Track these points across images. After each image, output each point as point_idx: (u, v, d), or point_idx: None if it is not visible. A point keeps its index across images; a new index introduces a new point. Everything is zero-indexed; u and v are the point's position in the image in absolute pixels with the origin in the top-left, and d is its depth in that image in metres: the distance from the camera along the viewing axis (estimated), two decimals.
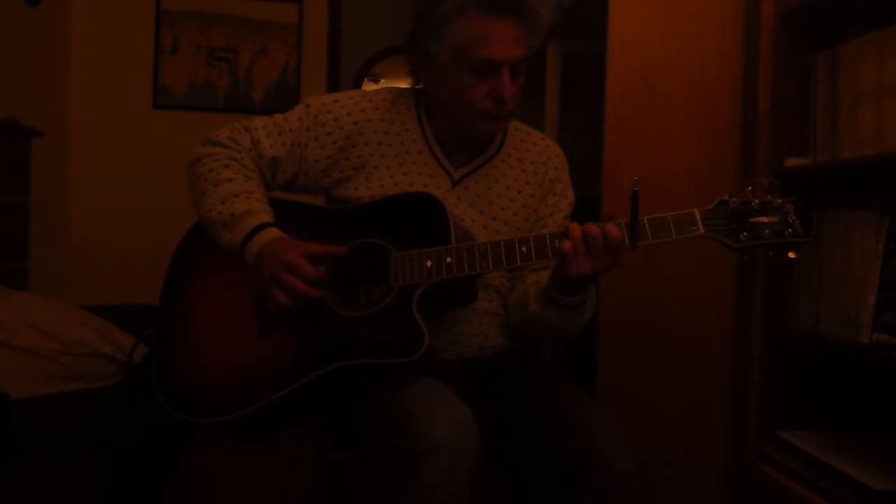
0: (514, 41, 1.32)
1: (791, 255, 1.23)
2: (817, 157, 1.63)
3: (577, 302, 1.31)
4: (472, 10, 1.30)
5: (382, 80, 5.76)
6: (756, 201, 1.22)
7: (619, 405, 1.84)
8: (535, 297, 1.36)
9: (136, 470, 1.63)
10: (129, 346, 2.05)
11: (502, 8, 1.30)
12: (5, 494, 1.32)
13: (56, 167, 3.09)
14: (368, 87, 5.37)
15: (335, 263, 1.32)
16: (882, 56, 1.45)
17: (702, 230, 1.22)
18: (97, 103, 3.23)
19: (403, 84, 1.51)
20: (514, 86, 1.35)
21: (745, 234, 1.21)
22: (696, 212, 1.23)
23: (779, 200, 1.22)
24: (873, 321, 1.44)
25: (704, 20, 1.87)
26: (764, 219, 1.21)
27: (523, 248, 1.27)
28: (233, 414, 1.29)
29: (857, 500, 1.40)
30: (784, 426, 1.71)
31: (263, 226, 1.34)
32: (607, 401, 1.83)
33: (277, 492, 2.24)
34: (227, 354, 1.35)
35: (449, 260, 1.28)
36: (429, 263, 1.28)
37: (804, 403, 1.74)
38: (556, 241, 1.25)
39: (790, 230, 1.21)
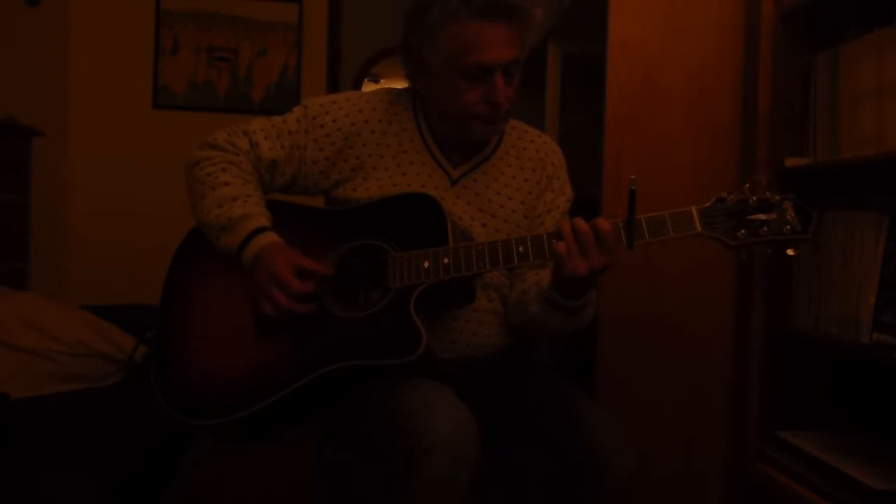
0: (506, 44, 1.31)
1: (790, 252, 1.22)
2: (817, 157, 1.63)
3: (578, 305, 1.31)
4: (463, 15, 1.29)
5: (382, 81, 5.76)
6: (754, 198, 1.20)
7: (618, 405, 1.84)
8: (535, 298, 1.36)
9: (136, 470, 1.63)
10: (129, 347, 2.05)
11: (493, 12, 1.29)
12: (5, 494, 1.32)
13: (56, 167, 3.09)
14: (368, 87, 5.38)
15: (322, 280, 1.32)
16: (882, 56, 1.45)
17: (699, 228, 1.21)
18: (97, 103, 3.23)
19: (403, 84, 1.51)
20: (509, 88, 1.35)
21: (743, 231, 1.20)
22: (694, 210, 1.22)
23: (777, 197, 1.21)
24: (873, 321, 1.44)
25: (704, 20, 1.87)
26: (762, 216, 1.20)
27: (520, 248, 1.26)
28: (233, 415, 1.29)
29: (857, 500, 1.40)
30: (784, 426, 1.71)
31: (260, 230, 1.34)
32: (607, 401, 1.83)
33: (278, 492, 2.24)
34: (227, 356, 1.35)
35: (446, 260, 1.28)
36: (426, 264, 1.28)
37: (804, 403, 1.73)
38: (554, 240, 1.25)
39: (788, 227, 1.20)
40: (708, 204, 1.22)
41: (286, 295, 1.26)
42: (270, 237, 1.33)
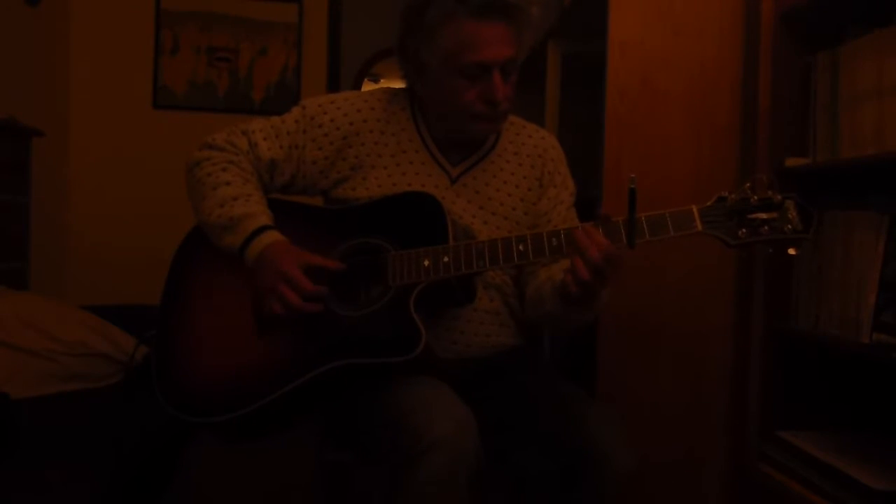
0: (503, 43, 1.32)
1: (791, 251, 1.22)
2: (817, 157, 1.63)
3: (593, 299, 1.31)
4: (461, 14, 1.30)
5: (382, 81, 5.77)
6: (755, 197, 1.20)
7: (619, 405, 1.83)
8: (550, 295, 1.36)
9: (136, 470, 1.63)
10: (129, 346, 2.05)
11: (491, 11, 1.30)
12: (5, 494, 1.32)
13: (56, 167, 3.09)
14: (368, 87, 5.38)
15: (332, 276, 1.32)
16: (882, 56, 1.45)
17: (700, 227, 1.21)
18: (97, 103, 3.22)
19: (402, 84, 1.51)
20: (507, 86, 1.35)
21: (744, 230, 1.20)
22: (695, 209, 1.22)
23: (778, 196, 1.20)
24: (873, 321, 1.44)
25: (704, 20, 1.87)
26: (763, 215, 1.20)
27: (520, 247, 1.27)
28: (232, 413, 1.29)
29: (857, 500, 1.40)
30: (784, 426, 1.71)
31: (263, 228, 1.34)
32: (607, 401, 1.83)
33: (277, 492, 2.24)
34: (226, 354, 1.35)
35: (446, 259, 1.28)
36: (426, 262, 1.28)
37: (804, 403, 1.73)
38: (553, 238, 1.25)
39: (790, 226, 1.19)
40: (709, 203, 1.22)
41: (298, 294, 1.26)
42: (273, 236, 1.33)
